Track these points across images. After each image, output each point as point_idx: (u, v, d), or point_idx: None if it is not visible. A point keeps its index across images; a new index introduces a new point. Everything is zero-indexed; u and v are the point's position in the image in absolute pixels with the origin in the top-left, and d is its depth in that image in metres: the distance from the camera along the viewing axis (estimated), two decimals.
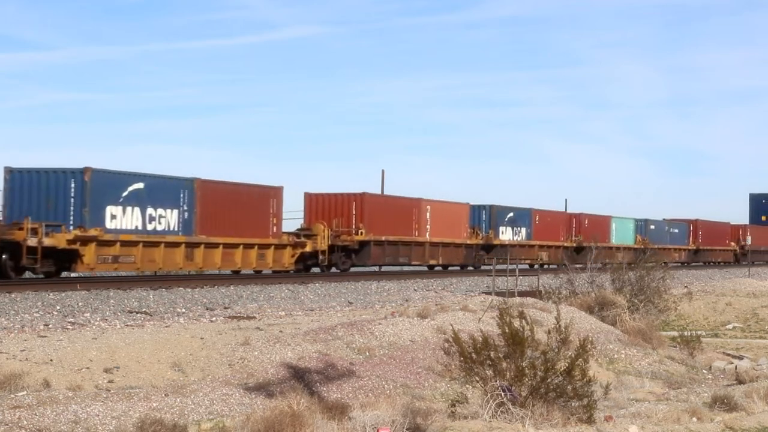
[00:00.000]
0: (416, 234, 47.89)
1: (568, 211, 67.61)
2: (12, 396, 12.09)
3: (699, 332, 23.91)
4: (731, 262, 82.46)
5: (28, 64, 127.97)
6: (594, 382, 12.18)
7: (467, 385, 13.06)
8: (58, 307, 21.35)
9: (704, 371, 20.71)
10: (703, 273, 56.36)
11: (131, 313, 21.16)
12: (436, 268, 50.15)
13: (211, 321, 20.07)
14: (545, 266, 51.82)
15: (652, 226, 71.65)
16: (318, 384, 14.74)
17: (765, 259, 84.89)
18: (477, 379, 12.14)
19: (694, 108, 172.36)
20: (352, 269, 43.97)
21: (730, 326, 29.26)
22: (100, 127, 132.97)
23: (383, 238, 44.72)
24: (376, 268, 45.49)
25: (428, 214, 48.89)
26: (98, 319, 19.58)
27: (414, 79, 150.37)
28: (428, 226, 48.71)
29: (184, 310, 22.44)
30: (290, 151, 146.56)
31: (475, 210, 54.06)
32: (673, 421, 12.16)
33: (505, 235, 55.88)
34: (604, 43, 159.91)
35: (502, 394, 11.50)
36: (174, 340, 15.99)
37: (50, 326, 17.92)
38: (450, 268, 50.85)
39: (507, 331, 11.89)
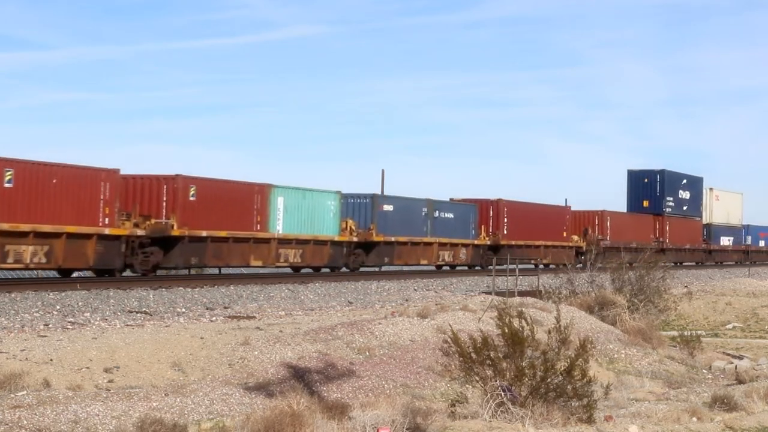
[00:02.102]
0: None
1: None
2: (12, 396, 12.10)
3: (699, 332, 23.91)
4: (568, 265, 51.45)
5: (28, 64, 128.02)
6: (594, 382, 12.18)
7: (467, 385, 13.06)
8: (58, 307, 21.35)
9: (704, 371, 20.70)
10: (708, 273, 56.21)
11: (131, 312, 21.16)
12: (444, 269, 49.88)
13: (211, 321, 20.08)
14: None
15: (388, 207, 45.02)
16: (318, 384, 14.75)
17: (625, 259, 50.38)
18: (477, 379, 12.14)
19: (694, 108, 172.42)
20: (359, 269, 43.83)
21: (730, 326, 29.26)
22: (100, 127, 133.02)
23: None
24: (376, 268, 45.22)
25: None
26: (98, 318, 19.59)
27: (414, 79, 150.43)
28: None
29: (184, 309, 22.44)
30: (290, 151, 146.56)
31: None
32: (673, 420, 12.16)
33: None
34: (604, 43, 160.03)
35: (502, 393, 11.50)
36: (174, 339, 16.00)
37: (50, 326, 17.92)
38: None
39: (507, 331, 11.89)
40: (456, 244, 49.27)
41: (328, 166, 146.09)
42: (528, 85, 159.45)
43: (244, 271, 40.50)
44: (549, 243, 56.71)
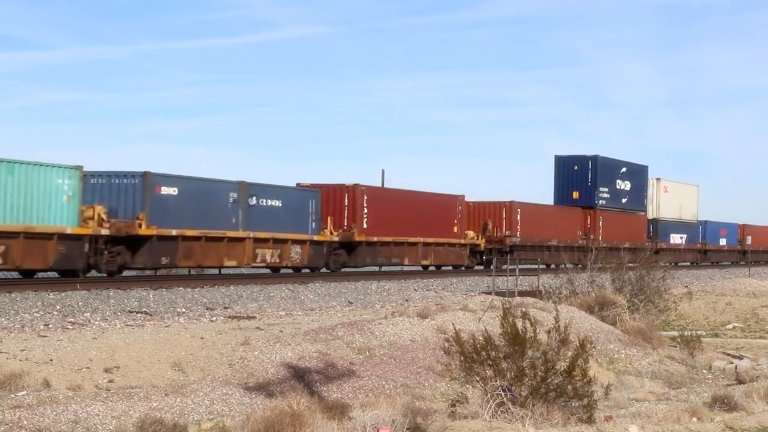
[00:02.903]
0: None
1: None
2: (12, 396, 12.10)
3: (699, 332, 23.92)
4: (462, 267, 48.99)
5: (28, 64, 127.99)
6: (594, 382, 12.18)
7: (467, 385, 13.06)
8: (58, 307, 21.35)
9: (704, 371, 20.71)
10: (704, 273, 56.19)
11: (131, 312, 21.16)
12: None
13: (211, 321, 20.08)
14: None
15: (169, 190, 33.44)
16: (318, 384, 14.75)
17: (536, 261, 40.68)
18: (477, 379, 12.14)
19: (694, 108, 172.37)
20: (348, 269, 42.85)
21: (730, 326, 29.26)
22: (100, 127, 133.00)
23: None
24: (376, 268, 44.48)
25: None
26: (98, 318, 19.59)
27: (414, 79, 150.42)
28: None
29: (184, 309, 22.44)
30: (290, 150, 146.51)
31: None
32: (673, 421, 12.16)
33: None
34: (604, 43, 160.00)
35: (502, 394, 11.50)
36: (174, 339, 15.99)
37: (50, 326, 17.92)
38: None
39: (508, 331, 11.89)
40: (284, 241, 38.04)
41: (328, 166, 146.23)
42: (528, 85, 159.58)
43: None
44: (431, 240, 46.18)
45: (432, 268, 47.84)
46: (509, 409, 11.40)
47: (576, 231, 57.74)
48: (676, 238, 70.64)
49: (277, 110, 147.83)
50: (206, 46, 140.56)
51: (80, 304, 22.32)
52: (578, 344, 12.12)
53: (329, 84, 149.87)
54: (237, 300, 25.56)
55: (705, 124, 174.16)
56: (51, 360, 13.85)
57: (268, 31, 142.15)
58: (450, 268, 48.61)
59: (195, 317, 20.73)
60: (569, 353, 12.12)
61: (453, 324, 16.20)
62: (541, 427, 11.28)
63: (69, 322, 18.78)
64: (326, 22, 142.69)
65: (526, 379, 11.80)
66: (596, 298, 25.43)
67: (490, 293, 29.30)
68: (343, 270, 41.40)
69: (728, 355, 22.98)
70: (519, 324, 11.98)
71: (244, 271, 39.15)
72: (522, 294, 28.16)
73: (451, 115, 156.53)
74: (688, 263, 71.65)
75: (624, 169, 63.93)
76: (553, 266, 47.96)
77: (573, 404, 11.82)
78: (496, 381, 11.75)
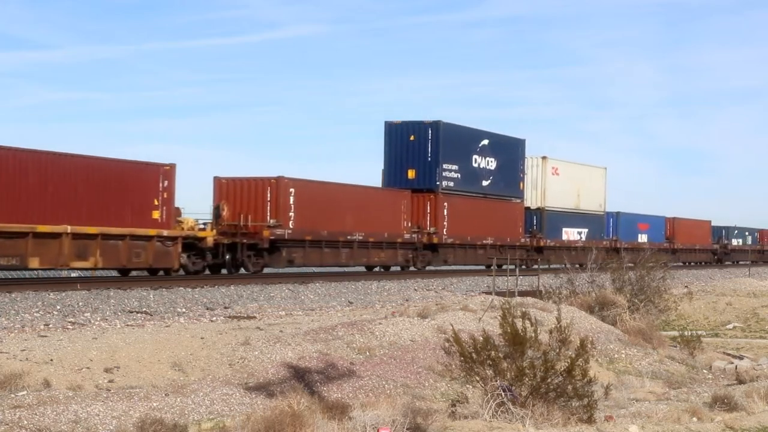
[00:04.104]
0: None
1: None
2: (12, 396, 12.10)
3: (699, 332, 23.93)
4: (161, 271, 32.17)
5: (28, 64, 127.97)
6: (594, 382, 12.18)
7: (467, 385, 13.06)
8: (58, 307, 21.34)
9: (704, 371, 20.71)
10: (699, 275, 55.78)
11: (131, 312, 21.16)
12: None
13: (212, 321, 20.07)
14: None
15: None
16: (318, 384, 14.75)
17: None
18: (477, 378, 12.14)
19: (695, 107, 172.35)
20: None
21: (730, 326, 29.27)
22: (100, 127, 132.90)
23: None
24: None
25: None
26: (98, 318, 19.59)
27: (414, 79, 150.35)
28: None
29: (184, 309, 22.43)
30: (291, 150, 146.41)
31: None
32: (674, 420, 12.16)
33: None
34: (604, 43, 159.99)
35: (503, 393, 11.50)
36: (174, 339, 15.99)
37: (50, 326, 17.92)
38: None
39: (509, 331, 11.89)
40: None
41: (328, 166, 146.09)
42: (528, 85, 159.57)
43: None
44: (89, 231, 28.71)
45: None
46: (509, 409, 11.40)
47: (401, 222, 42.46)
48: (572, 234, 56.00)
49: (278, 109, 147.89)
50: (206, 45, 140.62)
51: (80, 304, 22.31)
52: (579, 344, 12.12)
53: (330, 83, 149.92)
54: (237, 300, 25.55)
55: (706, 124, 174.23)
56: (51, 360, 13.85)
57: (269, 31, 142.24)
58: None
59: (195, 317, 20.73)
60: (569, 353, 12.12)
61: (453, 324, 16.23)
62: (541, 427, 11.28)
63: (69, 322, 18.78)
64: (326, 21, 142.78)
65: (526, 379, 11.80)
66: (596, 298, 25.44)
67: (490, 293, 29.29)
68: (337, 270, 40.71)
69: (728, 355, 22.99)
70: (519, 324, 11.99)
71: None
72: (522, 294, 28.15)
73: (450, 114, 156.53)
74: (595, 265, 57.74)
75: (485, 142, 48.08)
76: (346, 270, 38.36)
77: (573, 404, 11.82)
78: (496, 381, 11.75)
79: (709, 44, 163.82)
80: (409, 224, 43.05)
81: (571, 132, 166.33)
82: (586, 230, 57.29)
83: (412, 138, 44.40)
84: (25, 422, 11.09)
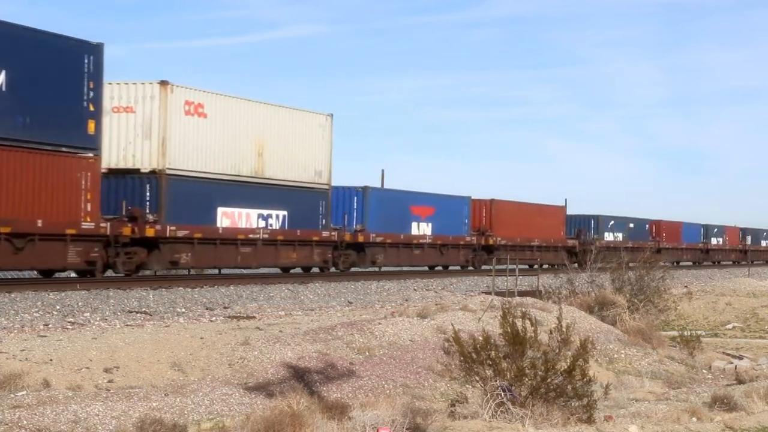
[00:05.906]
0: None
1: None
2: (12, 396, 12.09)
3: (699, 332, 23.94)
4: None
5: None
6: (594, 382, 12.18)
7: (467, 385, 13.06)
8: (57, 307, 21.33)
9: (704, 371, 20.71)
10: (703, 273, 55.84)
11: (131, 312, 21.14)
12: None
13: (211, 321, 20.07)
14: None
15: None
16: (318, 384, 14.75)
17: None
18: (477, 379, 12.14)
19: (696, 107, 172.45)
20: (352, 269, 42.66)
21: (730, 326, 29.28)
22: None
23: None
24: (376, 268, 44.28)
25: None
26: (98, 318, 19.57)
27: (415, 78, 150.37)
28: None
29: (183, 309, 22.42)
30: None
31: None
32: (673, 420, 12.16)
33: None
34: (605, 43, 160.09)
35: (502, 393, 11.50)
36: (174, 339, 15.99)
37: (50, 326, 17.91)
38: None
39: (509, 331, 11.89)
40: None
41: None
42: (528, 85, 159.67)
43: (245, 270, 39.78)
44: None
45: None
46: (509, 409, 11.40)
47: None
48: (250, 218, 34.22)
49: None
50: (206, 45, 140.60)
51: (80, 304, 22.29)
52: (579, 344, 12.12)
53: (330, 83, 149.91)
54: (237, 300, 25.54)
55: (706, 124, 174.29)
56: (51, 360, 13.84)
57: (269, 31, 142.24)
58: None
59: (195, 317, 20.72)
60: (569, 353, 12.12)
61: (452, 324, 16.22)
62: (541, 426, 11.28)
63: (69, 322, 18.77)
64: (326, 21, 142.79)
65: (526, 379, 11.80)
66: (596, 298, 25.44)
67: (489, 293, 29.29)
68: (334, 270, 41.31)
69: (728, 355, 22.99)
70: (519, 324, 11.99)
71: (244, 271, 37.58)
72: (522, 294, 28.15)
73: (451, 114, 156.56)
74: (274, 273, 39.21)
75: None
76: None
77: (573, 404, 11.83)
78: (495, 381, 11.75)
79: (709, 44, 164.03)
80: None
81: (572, 131, 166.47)
82: (282, 213, 35.77)
83: None
84: (25, 422, 11.09)
